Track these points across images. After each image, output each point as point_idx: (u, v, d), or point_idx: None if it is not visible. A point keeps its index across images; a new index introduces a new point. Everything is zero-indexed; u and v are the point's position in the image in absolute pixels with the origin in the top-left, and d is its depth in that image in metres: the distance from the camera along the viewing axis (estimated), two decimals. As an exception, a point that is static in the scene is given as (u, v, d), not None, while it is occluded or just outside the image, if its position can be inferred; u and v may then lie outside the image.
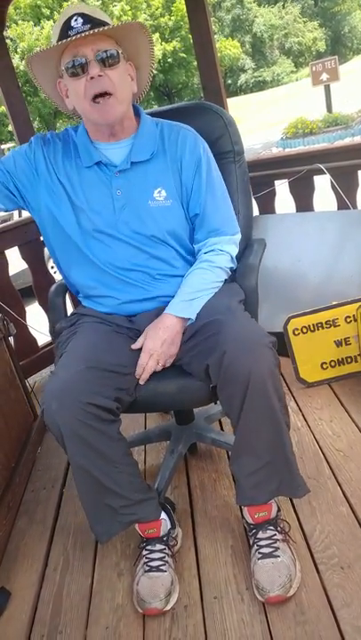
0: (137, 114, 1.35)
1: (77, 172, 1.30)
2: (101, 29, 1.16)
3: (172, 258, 1.35)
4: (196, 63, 2.56)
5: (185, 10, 2.48)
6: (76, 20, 1.17)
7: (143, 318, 1.34)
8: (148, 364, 1.25)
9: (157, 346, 1.25)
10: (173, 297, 1.32)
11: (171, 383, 1.28)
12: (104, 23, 1.19)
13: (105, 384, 1.17)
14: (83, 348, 1.25)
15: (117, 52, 1.21)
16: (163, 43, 27.68)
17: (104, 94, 1.20)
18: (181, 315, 1.27)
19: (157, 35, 27.22)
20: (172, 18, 28.77)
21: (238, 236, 1.41)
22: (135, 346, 1.28)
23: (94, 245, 1.31)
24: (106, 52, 1.18)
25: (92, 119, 1.25)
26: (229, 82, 37.02)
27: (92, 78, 1.18)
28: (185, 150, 1.31)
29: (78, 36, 1.15)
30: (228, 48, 32.24)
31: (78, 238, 1.31)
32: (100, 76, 1.18)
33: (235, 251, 1.39)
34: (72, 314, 1.46)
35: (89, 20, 1.18)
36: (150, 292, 1.34)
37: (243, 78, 37.49)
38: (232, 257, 1.38)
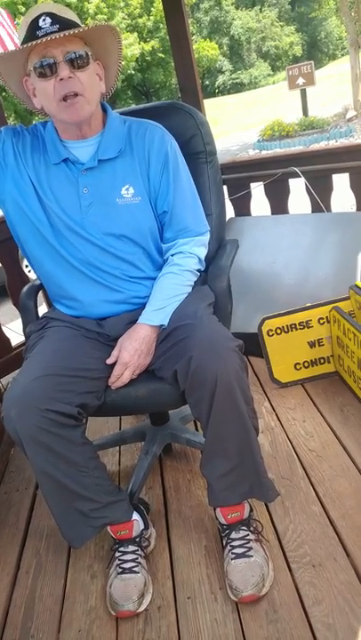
0: (104, 111, 1.34)
1: (45, 168, 1.29)
2: (70, 32, 1.13)
3: (139, 260, 1.34)
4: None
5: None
6: (44, 19, 1.15)
7: (112, 323, 1.34)
8: (123, 376, 1.25)
9: (134, 358, 1.25)
10: (142, 299, 1.32)
11: (141, 387, 1.28)
12: (73, 23, 1.18)
13: (66, 389, 1.16)
14: (46, 354, 1.24)
15: (86, 54, 1.19)
16: (141, 42, 27.61)
17: (73, 95, 1.18)
18: (155, 323, 1.27)
19: (135, 34, 27.15)
20: (152, 18, 28.73)
21: (207, 236, 1.42)
22: (110, 360, 1.27)
23: (67, 244, 1.30)
24: (75, 53, 1.17)
25: (61, 119, 1.24)
26: (207, 83, 37.17)
27: (61, 80, 1.16)
28: (153, 146, 1.30)
29: (47, 38, 1.12)
30: (206, 49, 32.32)
31: (49, 234, 1.30)
32: (69, 77, 1.16)
33: (203, 252, 1.40)
34: (42, 317, 1.44)
35: (57, 21, 1.15)
36: (119, 292, 1.33)
37: (220, 80, 37.69)
38: (200, 259, 1.39)
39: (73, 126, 1.26)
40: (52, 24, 1.15)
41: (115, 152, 1.29)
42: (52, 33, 1.13)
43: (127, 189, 1.29)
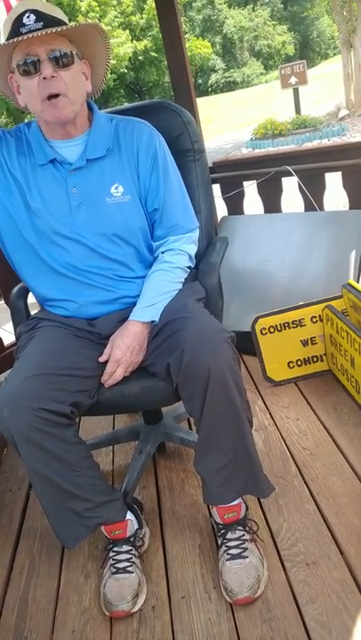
0: (91, 110, 1.32)
1: (32, 170, 1.27)
2: (54, 30, 1.11)
3: (130, 260, 1.33)
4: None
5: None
6: (28, 16, 1.12)
7: (104, 322, 1.33)
8: (116, 373, 1.25)
9: (126, 355, 1.24)
10: (133, 298, 1.31)
11: (134, 384, 1.27)
12: (58, 21, 1.16)
13: (59, 388, 1.15)
14: (37, 354, 1.23)
15: (71, 53, 1.17)
16: (134, 41, 27.55)
17: (56, 95, 1.17)
18: (146, 319, 1.27)
19: (128, 32, 27.08)
20: (144, 16, 28.68)
21: (197, 233, 1.41)
22: (102, 358, 1.26)
23: (52, 249, 1.28)
24: (59, 51, 1.15)
25: (45, 118, 1.22)
26: (200, 81, 37.18)
27: (44, 79, 1.14)
28: (141, 144, 1.29)
29: (30, 35, 1.10)
30: (199, 48, 32.33)
31: (34, 241, 1.28)
32: (53, 76, 1.14)
33: (193, 250, 1.40)
34: (32, 318, 1.43)
35: (42, 18, 1.13)
36: (111, 293, 1.33)
37: (213, 78, 37.71)
38: (190, 256, 1.39)
39: (57, 126, 1.24)
40: (36, 21, 1.12)
41: (103, 151, 1.27)
42: (35, 30, 1.11)
43: (116, 188, 1.28)
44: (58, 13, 1.20)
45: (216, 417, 1.17)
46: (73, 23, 1.17)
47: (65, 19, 1.21)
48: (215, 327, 1.20)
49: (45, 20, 1.13)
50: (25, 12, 1.14)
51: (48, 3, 1.23)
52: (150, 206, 1.33)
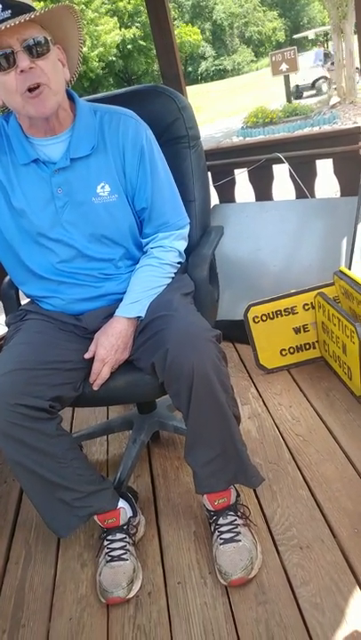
0: (71, 100, 1.25)
1: (14, 169, 1.21)
2: (26, 17, 1.03)
3: (119, 259, 1.31)
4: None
5: (143, -6, 2.44)
6: None
7: (90, 317, 1.32)
8: (102, 372, 1.24)
9: (111, 354, 1.23)
10: (120, 294, 1.30)
11: (120, 379, 1.27)
12: (26, 7, 1.07)
13: (38, 383, 1.14)
14: (19, 347, 1.23)
15: (45, 39, 1.09)
16: (122, 28, 27.20)
17: (37, 86, 1.09)
18: (132, 315, 1.25)
19: (116, 19, 26.73)
20: (132, 2, 28.30)
21: (187, 229, 1.38)
22: (87, 355, 1.25)
23: (36, 251, 1.26)
24: (33, 39, 1.07)
25: (27, 114, 1.14)
26: (190, 69, 36.84)
27: (22, 71, 1.07)
28: (127, 140, 1.23)
29: (1, 26, 1.02)
30: (188, 34, 32.01)
31: (17, 243, 1.25)
32: (31, 68, 1.07)
33: (183, 246, 1.37)
34: (20, 309, 1.42)
35: (8, 5, 1.05)
36: (98, 289, 1.31)
37: (203, 66, 37.37)
38: (180, 252, 1.36)
39: (40, 121, 1.17)
40: (2, 10, 1.04)
41: (87, 149, 1.22)
42: (4, 20, 1.03)
43: (103, 187, 1.24)
44: None
45: (202, 415, 1.17)
46: (43, 7, 1.08)
47: (31, 3, 1.13)
48: (199, 326, 1.19)
49: (13, 7, 1.05)
50: None
51: None
52: (138, 205, 1.29)
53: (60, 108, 1.19)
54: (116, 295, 1.32)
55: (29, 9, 1.08)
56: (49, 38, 1.12)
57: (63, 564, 1.39)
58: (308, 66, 16.65)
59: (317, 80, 16.38)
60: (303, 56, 16.81)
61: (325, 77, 16.21)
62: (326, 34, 19.45)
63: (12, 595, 1.33)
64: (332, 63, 15.77)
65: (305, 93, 16.38)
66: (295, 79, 15.69)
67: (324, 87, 15.96)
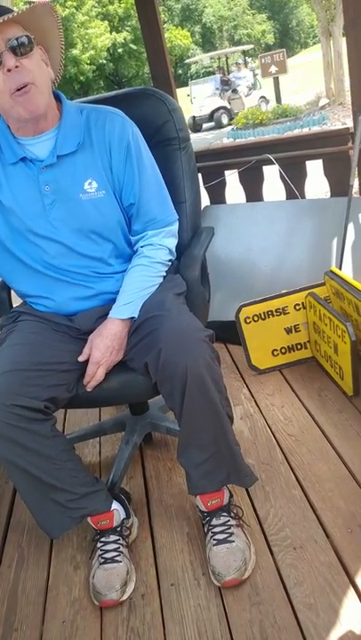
0: (58, 100, 1.26)
1: (2, 168, 1.23)
2: (8, 16, 1.05)
3: (108, 256, 1.31)
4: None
5: (132, -4, 2.44)
6: None
7: (83, 317, 1.32)
8: (97, 374, 1.24)
9: (106, 355, 1.23)
10: (113, 294, 1.30)
11: (114, 379, 1.27)
12: (4, 9, 1.09)
13: (33, 384, 1.14)
14: (13, 349, 1.22)
15: (29, 38, 1.10)
16: (113, 32, 27.22)
17: (23, 85, 1.10)
18: (125, 316, 1.25)
19: (106, 23, 26.75)
20: (122, 6, 28.32)
21: (176, 225, 1.39)
22: (82, 358, 1.25)
23: (28, 247, 1.26)
24: (17, 39, 1.08)
25: (16, 115, 1.14)
26: (180, 72, 36.88)
27: (8, 71, 1.08)
28: (113, 136, 1.23)
29: None
30: (178, 38, 32.11)
31: (9, 239, 1.25)
32: (17, 66, 1.08)
33: (173, 243, 1.37)
34: (12, 311, 1.41)
35: None
36: (89, 289, 1.31)
37: (193, 68, 37.43)
38: (171, 250, 1.36)
39: (29, 121, 1.17)
40: None
41: (74, 146, 1.22)
42: None
43: (90, 184, 1.24)
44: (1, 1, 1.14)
45: (195, 415, 1.17)
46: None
47: (10, 5, 1.16)
48: (192, 326, 1.19)
49: None
50: None
51: None
52: (126, 201, 1.29)
53: (49, 107, 1.20)
54: (109, 295, 1.31)
55: (9, 11, 1.10)
56: (32, 37, 1.13)
57: (56, 566, 1.38)
58: (205, 95, 14.83)
59: (216, 111, 14.49)
60: (199, 85, 15.49)
61: (225, 108, 14.53)
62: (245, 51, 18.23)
63: (5, 598, 1.32)
64: (234, 91, 14.55)
65: (204, 125, 14.69)
66: (193, 110, 14.51)
67: (224, 119, 14.24)
